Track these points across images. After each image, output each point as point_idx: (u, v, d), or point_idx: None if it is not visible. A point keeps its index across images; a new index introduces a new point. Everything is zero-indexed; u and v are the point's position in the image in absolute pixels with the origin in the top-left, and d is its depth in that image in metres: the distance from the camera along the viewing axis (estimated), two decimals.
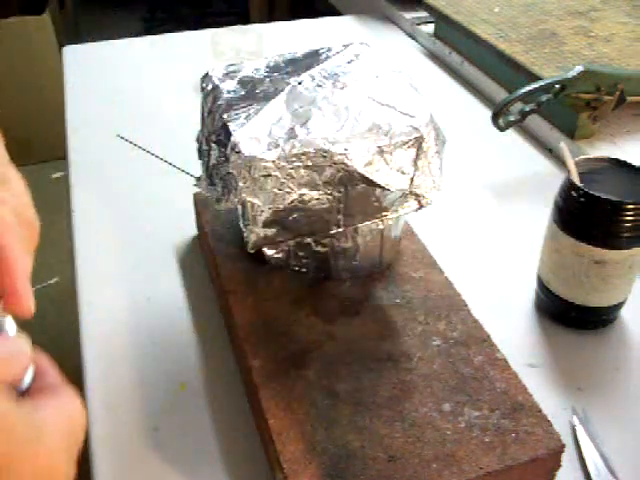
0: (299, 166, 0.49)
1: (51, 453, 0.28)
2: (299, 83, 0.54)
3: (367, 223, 0.54)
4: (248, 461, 0.49)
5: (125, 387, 0.54)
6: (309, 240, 0.55)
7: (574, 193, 0.54)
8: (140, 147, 0.63)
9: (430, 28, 1.13)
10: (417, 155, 0.51)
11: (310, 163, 0.49)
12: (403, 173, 0.51)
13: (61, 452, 0.29)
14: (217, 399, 0.53)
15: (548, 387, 0.54)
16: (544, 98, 0.77)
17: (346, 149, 0.49)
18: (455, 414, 0.46)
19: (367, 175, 0.50)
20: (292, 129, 0.49)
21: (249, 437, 0.50)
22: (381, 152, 0.50)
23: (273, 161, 0.48)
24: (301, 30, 1.20)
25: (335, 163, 0.49)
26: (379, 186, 0.51)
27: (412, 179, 0.52)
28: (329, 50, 0.60)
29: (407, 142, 0.50)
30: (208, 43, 0.95)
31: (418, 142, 0.51)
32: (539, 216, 0.61)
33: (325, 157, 0.49)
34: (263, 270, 0.57)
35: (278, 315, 0.54)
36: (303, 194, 0.50)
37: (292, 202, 0.50)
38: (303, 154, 0.48)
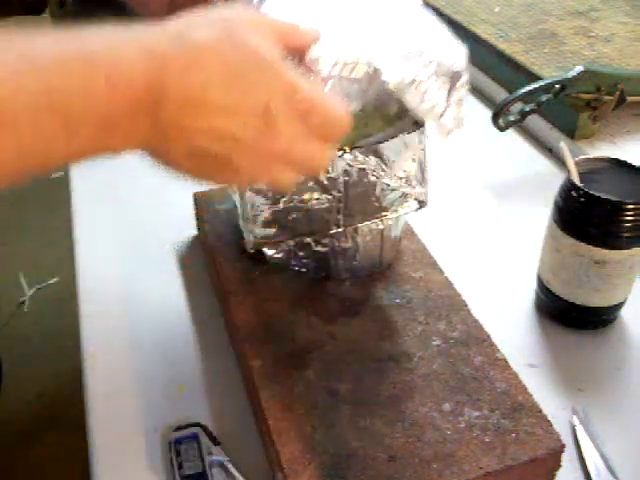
0: None
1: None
2: None
3: (367, 223, 0.54)
4: (248, 461, 0.49)
5: (125, 387, 0.54)
6: (309, 240, 0.55)
7: (574, 193, 0.54)
8: None
9: None
10: (451, 87, 0.50)
11: None
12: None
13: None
14: (217, 399, 0.53)
15: (548, 387, 0.54)
16: (544, 98, 0.77)
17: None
18: (455, 414, 0.46)
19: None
20: None
21: (249, 437, 0.50)
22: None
23: None
24: None
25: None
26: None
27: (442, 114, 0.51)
28: None
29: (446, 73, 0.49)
30: None
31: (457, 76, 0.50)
32: (539, 216, 0.61)
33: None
34: (263, 270, 0.57)
35: (278, 315, 0.54)
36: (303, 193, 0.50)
37: (292, 202, 0.50)
38: None
